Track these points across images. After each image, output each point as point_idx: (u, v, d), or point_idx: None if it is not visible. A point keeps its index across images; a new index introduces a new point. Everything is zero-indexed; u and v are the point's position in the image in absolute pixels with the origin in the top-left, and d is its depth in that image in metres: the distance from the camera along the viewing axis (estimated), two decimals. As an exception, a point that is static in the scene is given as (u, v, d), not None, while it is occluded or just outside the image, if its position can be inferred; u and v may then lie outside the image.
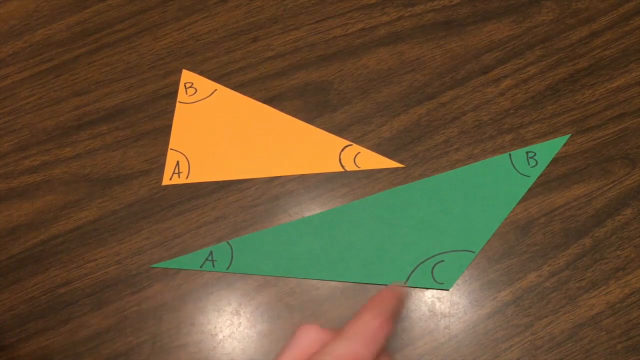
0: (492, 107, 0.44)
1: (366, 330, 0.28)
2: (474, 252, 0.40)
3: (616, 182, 0.41)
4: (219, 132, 0.44)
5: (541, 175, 0.41)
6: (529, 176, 0.41)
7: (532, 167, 0.42)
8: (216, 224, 0.42)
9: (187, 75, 0.46)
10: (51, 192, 0.43)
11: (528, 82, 0.44)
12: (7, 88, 0.47)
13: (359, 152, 0.43)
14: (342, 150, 0.43)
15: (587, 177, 0.41)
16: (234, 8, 0.48)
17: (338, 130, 0.44)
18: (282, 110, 0.44)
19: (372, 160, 0.43)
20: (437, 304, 0.39)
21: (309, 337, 0.29)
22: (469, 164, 0.42)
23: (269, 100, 0.45)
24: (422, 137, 0.43)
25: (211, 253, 0.41)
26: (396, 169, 0.42)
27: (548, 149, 0.42)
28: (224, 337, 0.39)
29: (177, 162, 0.43)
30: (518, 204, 0.41)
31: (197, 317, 0.39)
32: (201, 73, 0.46)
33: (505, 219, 0.40)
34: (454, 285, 0.39)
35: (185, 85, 0.46)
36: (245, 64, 0.46)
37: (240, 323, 0.39)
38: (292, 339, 0.29)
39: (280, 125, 0.44)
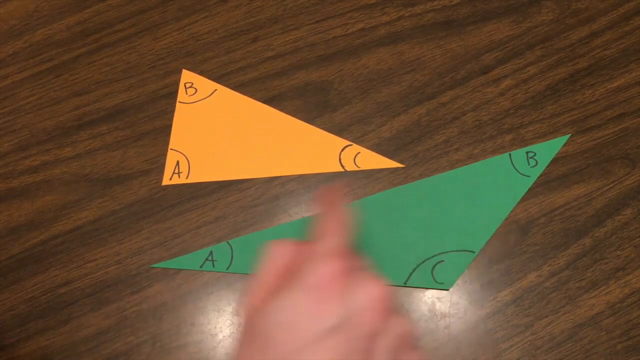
0: (492, 107, 0.44)
1: (337, 222, 0.30)
2: (474, 252, 0.40)
3: (616, 182, 0.41)
4: (219, 132, 0.44)
5: (541, 175, 0.41)
6: (529, 176, 0.41)
7: (532, 167, 0.42)
8: (216, 224, 0.42)
9: (187, 75, 0.46)
10: (51, 192, 0.43)
11: (528, 82, 0.44)
12: (7, 88, 0.47)
13: (359, 152, 0.43)
14: (342, 150, 0.43)
15: (587, 177, 0.41)
16: (234, 8, 0.48)
17: (338, 130, 0.44)
18: (282, 110, 0.44)
19: (372, 160, 0.43)
20: (437, 304, 0.39)
21: (282, 250, 0.30)
22: (469, 164, 0.42)
23: (269, 100, 0.45)
24: (422, 137, 0.43)
25: (211, 253, 0.41)
26: (396, 169, 0.42)
27: (548, 149, 0.42)
28: (224, 337, 0.39)
29: (177, 162, 0.43)
30: (518, 204, 0.41)
31: (197, 317, 0.39)
32: (201, 73, 0.46)
33: (505, 219, 0.40)
34: (454, 285, 0.39)
35: (185, 85, 0.46)
36: (245, 64, 0.46)
37: (240, 323, 0.39)
38: (266, 258, 0.30)
39: (280, 125, 0.44)
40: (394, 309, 0.29)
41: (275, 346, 0.27)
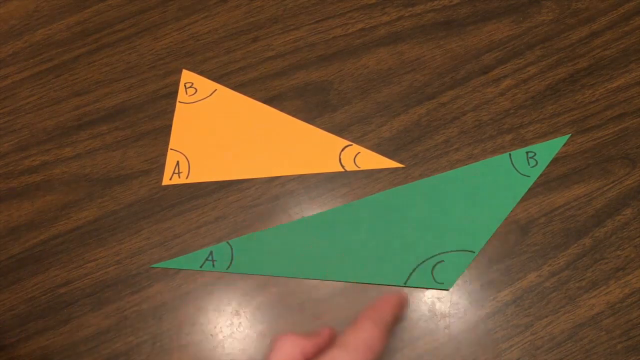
0: (492, 107, 0.44)
1: (366, 340, 0.29)
2: (474, 252, 0.40)
3: (616, 182, 0.41)
4: (219, 132, 0.44)
5: (541, 175, 0.41)
6: (529, 176, 0.41)
7: (532, 167, 0.42)
8: (216, 224, 0.42)
9: (187, 75, 0.46)
10: (51, 192, 0.43)
11: (528, 82, 0.44)
12: (7, 88, 0.47)
13: (359, 152, 0.43)
14: (342, 150, 0.43)
15: (587, 177, 0.41)
16: (234, 8, 0.48)
17: (338, 130, 0.44)
18: (282, 110, 0.44)
19: (372, 160, 0.43)
20: (437, 304, 0.39)
21: (287, 350, 0.29)
22: (469, 164, 0.42)
23: (269, 100, 0.45)
24: (422, 137, 0.43)
25: (211, 253, 0.41)
26: (396, 169, 0.42)
27: (548, 149, 0.42)
28: (224, 337, 0.39)
29: (177, 162, 0.43)
30: (518, 204, 0.41)
31: (197, 317, 0.39)
32: (201, 73, 0.46)
33: (505, 219, 0.40)
34: (454, 285, 0.39)
35: (185, 85, 0.46)
36: (245, 64, 0.46)
37: (240, 323, 0.39)
38: (270, 355, 0.29)
39: (280, 125, 0.44)
40: None
41: None
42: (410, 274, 0.39)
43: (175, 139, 0.44)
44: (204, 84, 0.46)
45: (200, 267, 0.40)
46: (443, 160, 0.42)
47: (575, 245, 0.40)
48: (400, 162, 0.43)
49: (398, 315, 0.32)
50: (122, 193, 0.43)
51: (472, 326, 0.38)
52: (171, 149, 0.44)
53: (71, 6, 0.49)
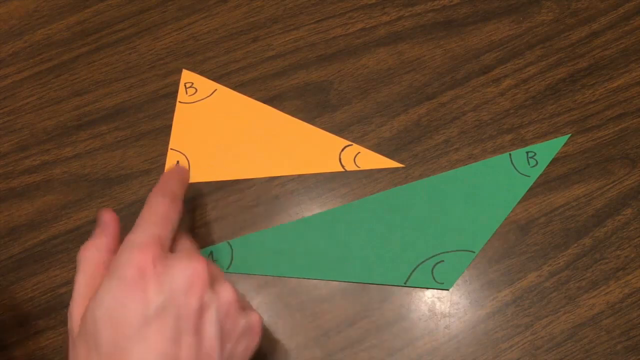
0: (492, 107, 0.44)
1: (158, 213, 0.31)
2: (474, 252, 0.40)
3: (616, 182, 0.41)
4: (219, 132, 0.44)
5: (541, 175, 0.41)
6: (529, 176, 0.41)
7: (532, 167, 0.42)
8: (216, 224, 0.42)
9: (187, 75, 0.46)
10: (51, 192, 0.43)
11: (528, 82, 0.44)
12: (7, 88, 0.47)
13: (359, 152, 0.43)
14: (342, 150, 0.43)
15: (587, 177, 0.41)
16: (234, 8, 0.48)
17: (338, 130, 0.44)
18: (282, 110, 0.44)
19: (372, 160, 0.43)
20: (437, 304, 0.39)
21: (91, 257, 0.30)
22: (469, 164, 0.42)
23: (269, 100, 0.45)
24: (422, 137, 0.43)
25: (211, 253, 0.41)
26: (396, 169, 0.42)
27: (548, 149, 0.42)
28: (224, 337, 0.39)
29: (177, 162, 0.43)
30: (518, 204, 0.41)
31: (197, 317, 0.39)
32: (201, 73, 0.46)
33: (505, 219, 0.40)
34: (454, 285, 0.39)
35: (185, 85, 0.46)
36: (245, 64, 0.46)
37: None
38: (77, 269, 0.30)
39: (280, 125, 0.44)
40: (214, 280, 0.29)
41: (104, 344, 0.27)
42: (410, 274, 0.39)
43: (175, 139, 0.44)
44: (204, 84, 0.46)
45: (200, 267, 0.40)
46: (443, 160, 0.42)
47: (575, 245, 0.40)
48: (400, 162, 0.43)
49: (183, 188, 0.34)
50: (122, 193, 0.43)
51: (472, 326, 0.38)
52: (171, 149, 0.44)
53: (71, 6, 0.49)
